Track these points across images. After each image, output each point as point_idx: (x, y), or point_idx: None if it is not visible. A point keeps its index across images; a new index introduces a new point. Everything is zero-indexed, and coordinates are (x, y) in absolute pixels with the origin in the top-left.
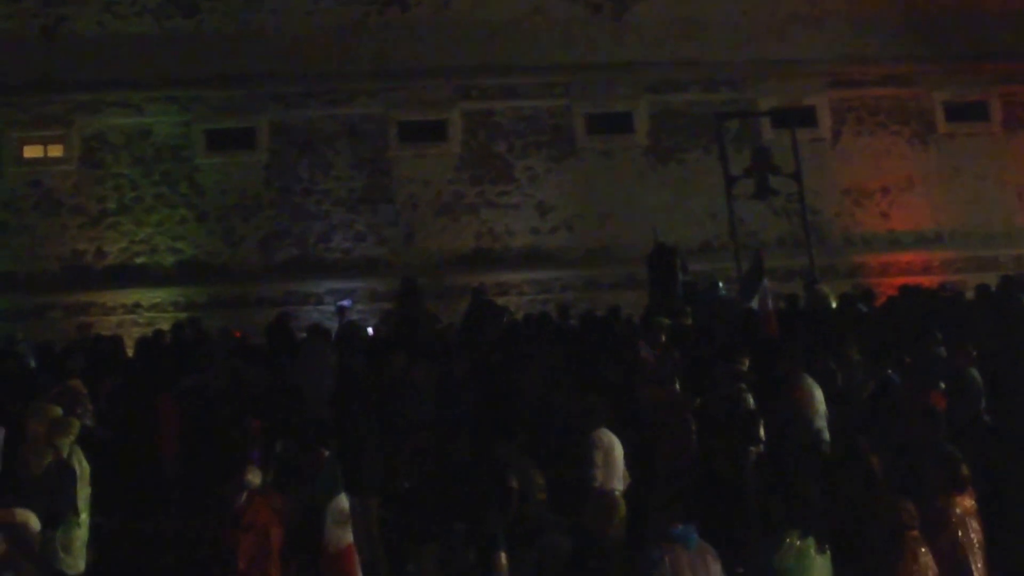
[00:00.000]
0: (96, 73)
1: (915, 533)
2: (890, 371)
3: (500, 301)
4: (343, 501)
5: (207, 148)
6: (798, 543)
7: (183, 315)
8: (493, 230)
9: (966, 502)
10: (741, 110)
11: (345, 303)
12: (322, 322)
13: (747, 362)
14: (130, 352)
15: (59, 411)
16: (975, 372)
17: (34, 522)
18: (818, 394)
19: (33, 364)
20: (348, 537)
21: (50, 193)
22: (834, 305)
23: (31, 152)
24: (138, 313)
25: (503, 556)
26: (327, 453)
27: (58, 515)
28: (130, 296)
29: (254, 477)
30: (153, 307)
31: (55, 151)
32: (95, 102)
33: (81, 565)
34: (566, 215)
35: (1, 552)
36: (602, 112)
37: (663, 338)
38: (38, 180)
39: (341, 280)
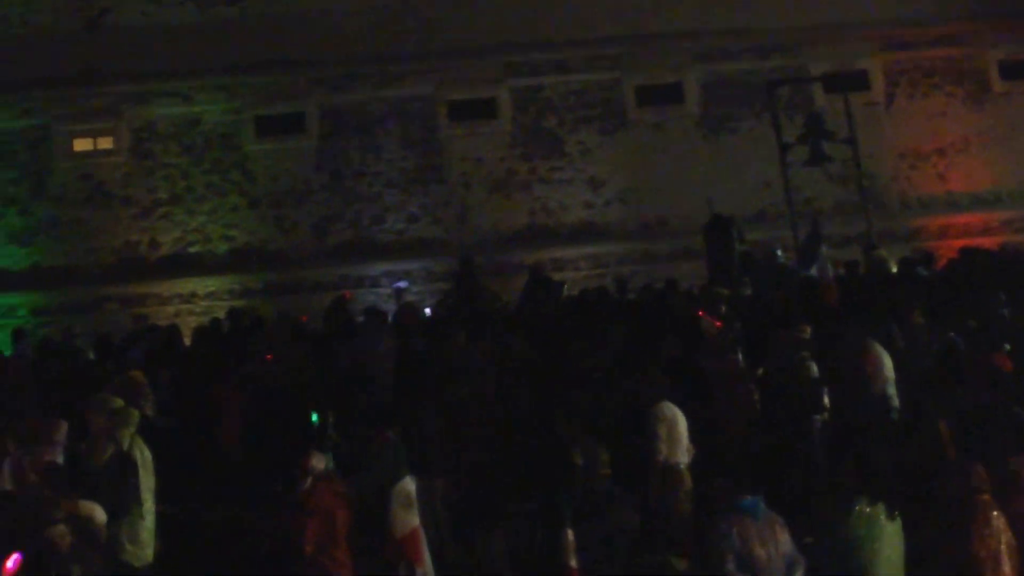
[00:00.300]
0: (142, 64)
1: (986, 497)
2: (953, 334)
3: (556, 277)
4: (408, 484)
5: (257, 135)
6: (867, 510)
7: (239, 303)
8: (546, 206)
9: None
10: (793, 76)
11: (402, 284)
12: (379, 304)
13: (809, 330)
14: (187, 342)
15: (120, 402)
16: None
17: (99, 514)
18: (887, 361)
19: (92, 356)
20: (414, 520)
21: (101, 186)
22: (894, 270)
23: (81, 145)
24: (194, 302)
25: (570, 533)
26: (391, 436)
27: (122, 506)
28: (185, 286)
29: (318, 462)
30: (209, 296)
31: (105, 143)
32: (143, 93)
33: (148, 555)
34: (619, 189)
35: (67, 545)
36: (652, 84)
37: (723, 309)
38: (89, 173)
39: (396, 262)
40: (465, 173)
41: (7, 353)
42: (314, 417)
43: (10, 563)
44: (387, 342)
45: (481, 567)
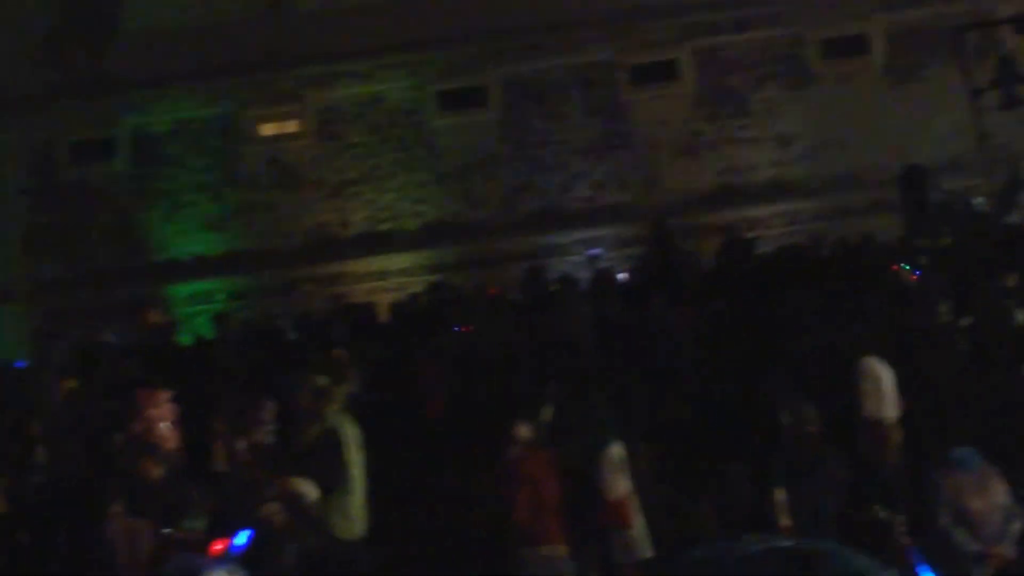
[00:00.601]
0: (324, 45)
1: None
2: None
3: (748, 236)
4: (618, 449)
5: (440, 109)
6: None
7: (431, 277)
8: (735, 166)
9: None
10: (980, 20)
11: (595, 252)
12: (572, 272)
13: (1014, 278)
14: (384, 318)
15: (324, 380)
16: None
17: (310, 491)
18: None
19: (294, 337)
20: (625, 484)
21: (289, 168)
22: None
23: (267, 130)
24: (387, 279)
25: (781, 492)
26: (596, 402)
27: (331, 483)
28: (378, 263)
29: (526, 431)
30: (401, 272)
31: (290, 127)
32: (325, 74)
33: (359, 529)
34: (808, 144)
35: (281, 522)
36: (836, 36)
37: (923, 260)
38: (276, 157)
39: (586, 229)
40: (650, 137)
41: (210, 338)
42: None
43: (243, 540)
44: (585, 309)
45: (691, 530)
